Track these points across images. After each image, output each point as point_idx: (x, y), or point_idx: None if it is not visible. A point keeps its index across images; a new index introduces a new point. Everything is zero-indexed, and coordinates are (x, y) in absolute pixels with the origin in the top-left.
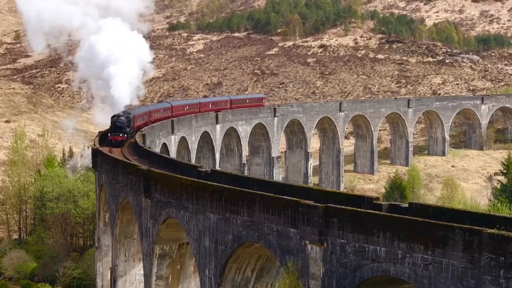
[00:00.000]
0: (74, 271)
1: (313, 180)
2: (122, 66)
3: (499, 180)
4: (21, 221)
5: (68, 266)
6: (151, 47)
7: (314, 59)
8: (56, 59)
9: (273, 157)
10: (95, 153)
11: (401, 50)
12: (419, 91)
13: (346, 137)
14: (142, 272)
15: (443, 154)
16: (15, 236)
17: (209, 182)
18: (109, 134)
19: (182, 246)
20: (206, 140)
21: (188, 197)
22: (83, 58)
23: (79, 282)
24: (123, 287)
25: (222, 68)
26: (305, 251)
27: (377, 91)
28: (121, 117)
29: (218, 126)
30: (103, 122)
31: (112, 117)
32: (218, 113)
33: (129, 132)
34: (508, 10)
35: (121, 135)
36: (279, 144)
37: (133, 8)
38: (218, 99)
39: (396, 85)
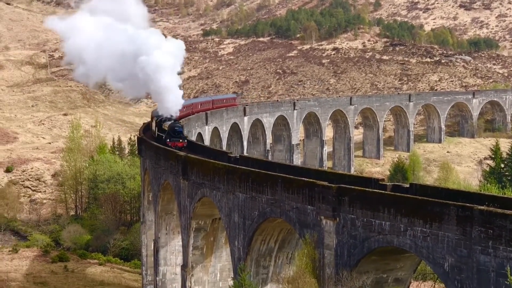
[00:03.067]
0: (122, 243)
1: (327, 164)
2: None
3: (488, 164)
4: (77, 200)
5: (118, 238)
6: (188, 50)
7: (328, 60)
8: None
9: (293, 145)
10: (140, 141)
11: (403, 52)
12: (418, 87)
13: (356, 127)
14: (180, 243)
15: (440, 141)
16: (72, 213)
17: (237, 166)
18: (168, 140)
19: (215, 221)
20: (235, 130)
21: (220, 179)
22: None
23: (127, 252)
24: (164, 256)
25: (249, 68)
26: (320, 225)
27: (383, 87)
28: (178, 122)
29: (245, 118)
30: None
31: (162, 120)
32: (246, 106)
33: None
34: (496, 17)
35: (181, 140)
36: (298, 133)
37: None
38: (203, 100)
39: (399, 82)
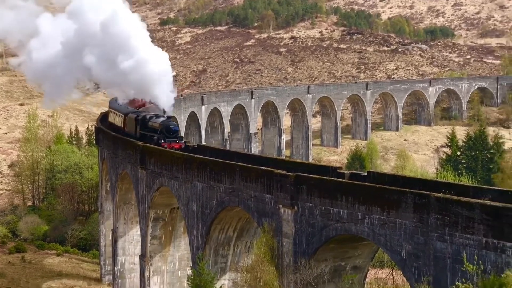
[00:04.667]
0: (80, 233)
1: (285, 153)
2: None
3: (444, 152)
4: (34, 190)
5: (75, 228)
6: None
7: (286, 49)
8: None
9: (251, 133)
10: (98, 131)
11: (360, 41)
12: (376, 75)
13: (314, 116)
14: (139, 233)
15: (397, 129)
16: (29, 203)
17: (195, 155)
18: (162, 141)
19: (173, 210)
20: (193, 119)
21: (178, 168)
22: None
23: (85, 242)
24: (122, 246)
25: (207, 57)
26: (278, 214)
27: (340, 76)
28: (171, 119)
29: (203, 107)
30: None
31: (148, 117)
32: (204, 95)
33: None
34: (452, 6)
35: (177, 141)
36: (255, 122)
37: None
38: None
39: (356, 70)
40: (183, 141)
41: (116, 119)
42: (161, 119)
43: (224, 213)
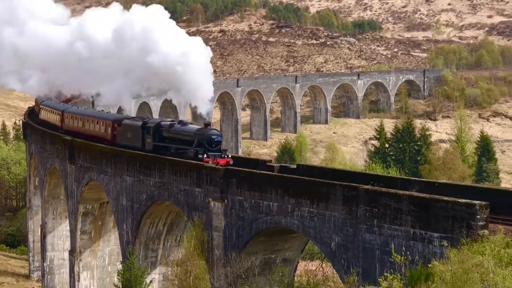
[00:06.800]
0: (8, 229)
1: None
2: None
3: (373, 144)
4: None
5: (3, 224)
6: None
7: (215, 42)
8: None
9: None
10: (25, 126)
11: (289, 34)
12: (305, 69)
13: (243, 109)
14: (68, 228)
15: (326, 122)
16: None
17: (125, 150)
18: (205, 156)
19: (103, 205)
20: (119, 113)
21: (107, 162)
22: None
23: (13, 238)
24: (51, 242)
25: None
26: (208, 207)
27: (269, 69)
28: (213, 127)
29: (133, 101)
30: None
31: (170, 125)
32: None
33: None
34: (379, 0)
35: (223, 155)
36: (184, 116)
37: None
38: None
39: (285, 64)
40: (229, 156)
41: (51, 117)
42: (193, 126)
43: (154, 207)
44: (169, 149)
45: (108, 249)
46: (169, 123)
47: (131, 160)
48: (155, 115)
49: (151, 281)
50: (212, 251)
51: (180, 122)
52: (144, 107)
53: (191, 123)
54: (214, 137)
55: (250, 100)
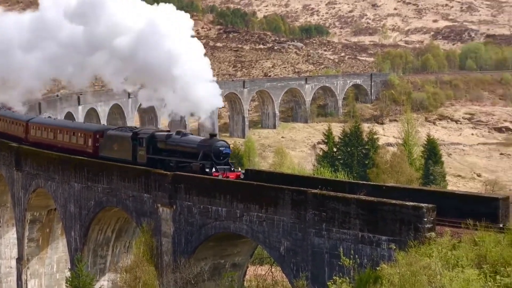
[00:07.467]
0: None
1: None
2: None
3: (321, 148)
4: None
5: None
6: None
7: None
8: None
9: None
10: None
11: (236, 39)
12: (252, 73)
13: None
14: (15, 236)
15: (274, 127)
16: None
17: (72, 156)
18: (213, 170)
19: (51, 212)
20: (70, 119)
21: (54, 169)
22: None
23: None
24: None
25: None
26: (157, 213)
27: (217, 74)
28: (219, 138)
29: (80, 107)
30: None
31: (169, 135)
32: (80, 95)
33: None
34: (326, 4)
35: (233, 169)
36: (133, 122)
37: None
38: None
39: (233, 69)
40: (240, 170)
41: (11, 127)
42: (196, 137)
43: (103, 214)
44: (167, 163)
45: (56, 257)
46: (165, 133)
47: (78, 167)
48: (103, 121)
49: None
50: (161, 257)
51: (179, 132)
52: (91, 112)
53: (191, 134)
54: (222, 149)
55: None
